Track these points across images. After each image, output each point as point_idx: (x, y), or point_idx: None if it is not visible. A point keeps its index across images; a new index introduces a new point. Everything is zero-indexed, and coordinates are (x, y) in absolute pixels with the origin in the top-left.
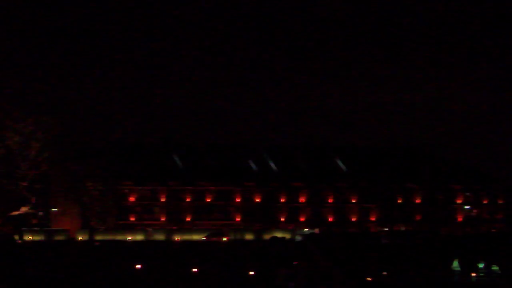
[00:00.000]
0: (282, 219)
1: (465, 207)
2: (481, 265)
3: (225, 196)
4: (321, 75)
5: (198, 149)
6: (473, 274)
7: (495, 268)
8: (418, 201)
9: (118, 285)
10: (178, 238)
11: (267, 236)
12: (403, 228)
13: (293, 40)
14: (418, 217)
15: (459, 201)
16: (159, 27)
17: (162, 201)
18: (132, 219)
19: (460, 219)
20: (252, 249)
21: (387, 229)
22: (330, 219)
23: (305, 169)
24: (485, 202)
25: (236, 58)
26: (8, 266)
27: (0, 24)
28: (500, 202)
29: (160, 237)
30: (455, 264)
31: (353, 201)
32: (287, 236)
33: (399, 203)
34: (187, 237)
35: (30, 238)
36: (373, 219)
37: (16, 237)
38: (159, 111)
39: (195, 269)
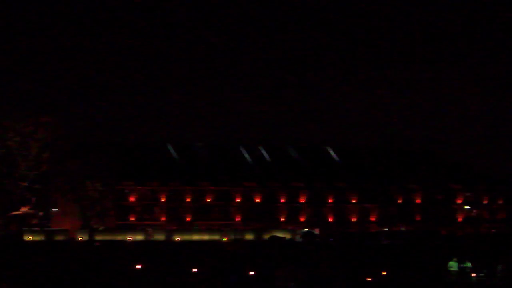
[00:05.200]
0: (282, 219)
1: (465, 207)
2: (468, 265)
3: (225, 196)
4: (321, 75)
5: (198, 149)
6: (473, 274)
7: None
8: (418, 201)
9: (117, 285)
10: (178, 238)
11: (267, 236)
12: (403, 228)
13: (295, 40)
14: (418, 217)
15: (459, 201)
16: (158, 26)
17: (162, 201)
18: (132, 219)
19: (460, 219)
20: (252, 249)
21: (387, 229)
22: (330, 219)
23: (305, 169)
24: (485, 202)
25: (237, 58)
26: (14, 265)
27: (0, 24)
28: (500, 202)
29: (160, 237)
30: (453, 264)
31: (353, 201)
32: (287, 236)
33: (399, 203)
34: (187, 237)
35: (30, 238)
36: (373, 219)
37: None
38: (159, 111)
39: (195, 269)
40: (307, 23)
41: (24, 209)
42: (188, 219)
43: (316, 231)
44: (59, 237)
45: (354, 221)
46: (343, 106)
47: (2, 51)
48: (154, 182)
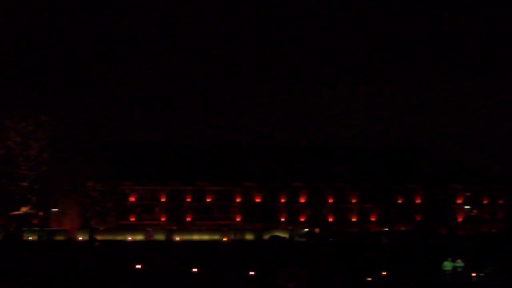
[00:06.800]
0: (282, 219)
1: (465, 207)
2: (460, 264)
3: (225, 196)
4: (321, 75)
5: (199, 149)
6: (473, 274)
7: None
8: (418, 201)
9: (118, 285)
10: (178, 238)
11: (267, 236)
12: (403, 228)
13: (294, 41)
14: (418, 217)
15: (459, 201)
16: (158, 26)
17: (162, 201)
18: (132, 219)
19: (460, 219)
20: (252, 249)
21: (387, 229)
22: (330, 219)
23: (305, 169)
24: (485, 202)
25: (237, 58)
26: (15, 266)
27: (0, 23)
28: (500, 202)
29: (160, 237)
30: (447, 264)
31: (353, 201)
32: (287, 235)
33: (399, 203)
34: (187, 237)
35: (30, 238)
36: (373, 219)
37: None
38: (159, 111)
39: (195, 269)
40: (307, 23)
41: (24, 209)
42: (188, 219)
43: (316, 231)
44: (59, 237)
45: (354, 221)
46: (343, 106)
47: (2, 51)
48: (154, 182)
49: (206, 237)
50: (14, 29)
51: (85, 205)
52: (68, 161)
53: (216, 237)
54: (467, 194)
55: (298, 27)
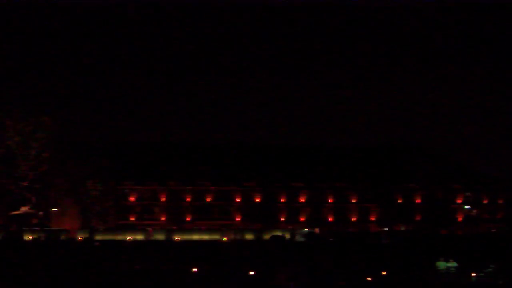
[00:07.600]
0: (282, 219)
1: (465, 207)
2: (453, 264)
3: (225, 196)
4: (320, 75)
5: (199, 149)
6: (473, 274)
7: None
8: (418, 201)
9: (117, 285)
10: (178, 238)
11: (267, 236)
12: (403, 228)
13: (294, 41)
14: (418, 217)
15: (459, 201)
16: (158, 27)
17: (162, 201)
18: (132, 219)
19: (460, 219)
20: (252, 249)
21: (387, 229)
22: (330, 219)
23: (305, 169)
24: (485, 202)
25: (237, 58)
26: (15, 266)
27: (1, 24)
28: (500, 202)
29: (160, 237)
30: (440, 264)
31: (353, 201)
32: (287, 235)
33: (399, 203)
34: (187, 237)
35: (30, 238)
36: (373, 219)
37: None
38: (159, 111)
39: (195, 269)
40: (306, 23)
41: (24, 209)
42: (188, 219)
43: (316, 231)
44: (59, 237)
45: (354, 221)
46: (343, 106)
47: (3, 51)
48: (154, 182)
49: (206, 237)
50: (14, 29)
51: (85, 205)
52: (68, 161)
53: (216, 237)
54: (467, 194)
55: (298, 27)
